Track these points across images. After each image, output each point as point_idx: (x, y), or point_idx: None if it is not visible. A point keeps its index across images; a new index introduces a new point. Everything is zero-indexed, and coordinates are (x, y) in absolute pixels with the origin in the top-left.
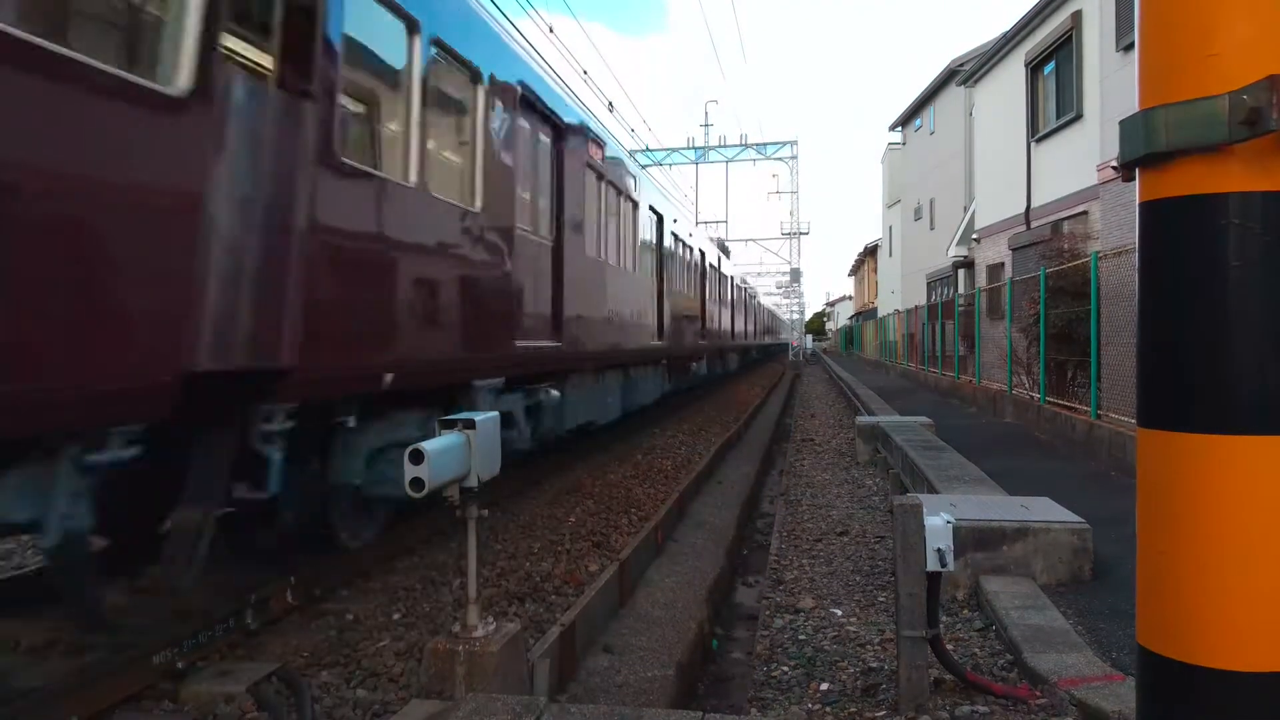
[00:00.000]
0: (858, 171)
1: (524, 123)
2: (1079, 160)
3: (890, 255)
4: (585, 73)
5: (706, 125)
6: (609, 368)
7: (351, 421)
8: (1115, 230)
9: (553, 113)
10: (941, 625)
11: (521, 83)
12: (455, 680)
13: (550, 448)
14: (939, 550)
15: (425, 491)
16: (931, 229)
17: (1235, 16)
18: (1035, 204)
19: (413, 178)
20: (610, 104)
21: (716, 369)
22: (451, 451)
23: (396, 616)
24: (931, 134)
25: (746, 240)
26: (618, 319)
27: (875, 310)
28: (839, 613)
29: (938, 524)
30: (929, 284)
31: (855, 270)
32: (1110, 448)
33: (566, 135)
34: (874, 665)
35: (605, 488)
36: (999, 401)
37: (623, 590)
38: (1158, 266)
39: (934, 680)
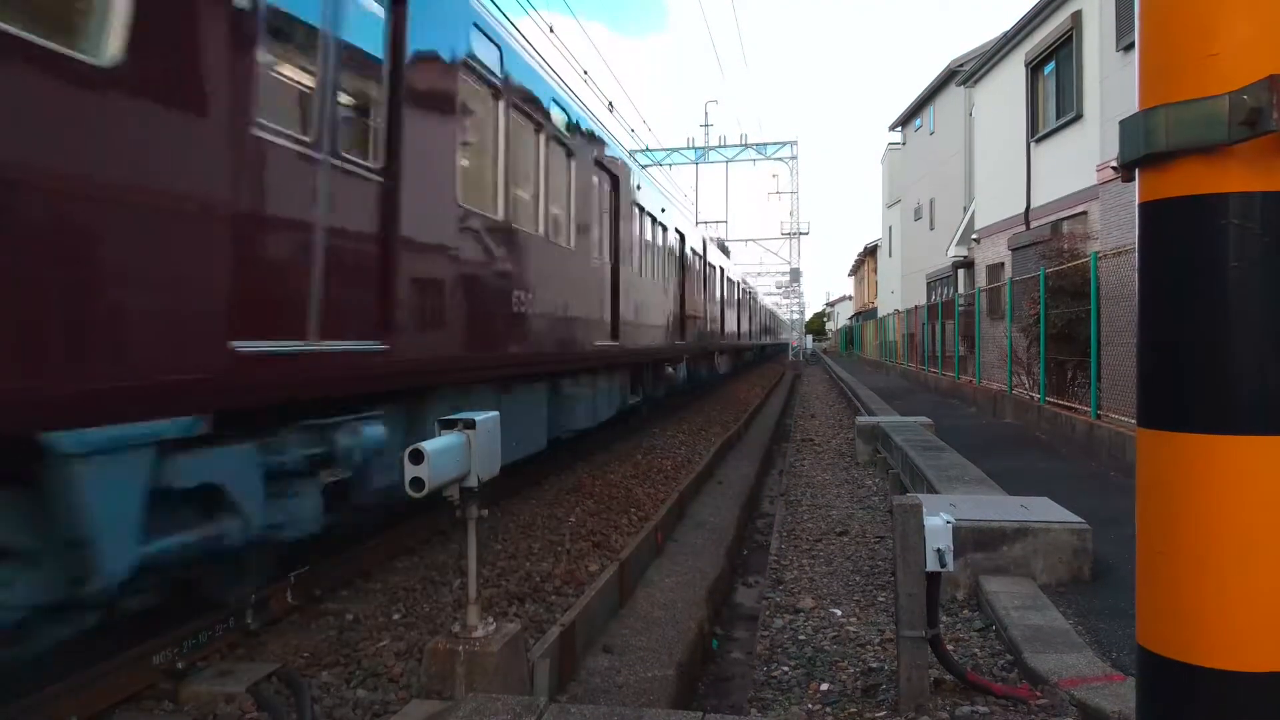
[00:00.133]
0: (858, 171)
1: None
2: (1079, 160)
3: (890, 255)
4: (585, 73)
5: (706, 125)
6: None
7: None
8: (1115, 230)
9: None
10: (941, 625)
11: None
12: (455, 680)
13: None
14: (939, 550)
15: (425, 491)
16: (931, 229)
17: (1235, 16)
18: (1035, 204)
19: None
20: (610, 104)
21: (701, 373)
22: (451, 451)
23: (396, 616)
24: (931, 134)
25: (746, 240)
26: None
27: (875, 310)
28: (839, 613)
29: (937, 524)
30: (929, 284)
31: (855, 270)
32: (1110, 448)
33: None
34: (874, 665)
35: (605, 487)
36: (999, 402)
37: (623, 590)
38: (1158, 267)
39: (934, 680)
